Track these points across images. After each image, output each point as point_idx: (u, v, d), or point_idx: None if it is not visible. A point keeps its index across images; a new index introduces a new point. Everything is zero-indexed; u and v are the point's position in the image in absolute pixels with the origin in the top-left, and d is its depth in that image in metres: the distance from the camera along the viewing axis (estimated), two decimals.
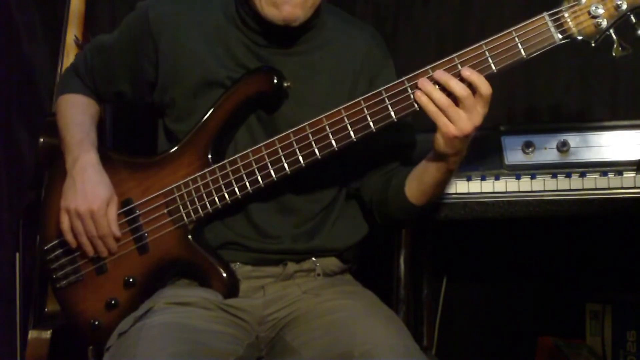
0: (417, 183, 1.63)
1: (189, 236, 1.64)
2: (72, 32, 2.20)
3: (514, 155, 2.03)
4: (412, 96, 1.51)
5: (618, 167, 1.95)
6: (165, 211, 1.65)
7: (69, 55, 2.16)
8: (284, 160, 1.58)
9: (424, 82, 1.49)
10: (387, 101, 1.52)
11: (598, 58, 2.32)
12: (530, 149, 2.03)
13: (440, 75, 1.48)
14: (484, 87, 1.46)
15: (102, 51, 1.80)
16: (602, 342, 2.37)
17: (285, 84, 1.62)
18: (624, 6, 1.45)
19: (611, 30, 1.47)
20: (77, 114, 1.78)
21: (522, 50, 1.47)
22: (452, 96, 1.48)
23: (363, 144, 1.57)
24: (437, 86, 1.48)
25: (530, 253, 2.45)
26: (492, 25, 2.38)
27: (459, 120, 1.47)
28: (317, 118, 1.56)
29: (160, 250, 1.66)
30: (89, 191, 1.65)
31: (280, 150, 1.58)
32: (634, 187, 1.87)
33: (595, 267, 2.41)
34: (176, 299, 1.57)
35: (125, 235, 1.67)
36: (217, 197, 1.62)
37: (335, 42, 1.71)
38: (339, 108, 1.55)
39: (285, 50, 1.67)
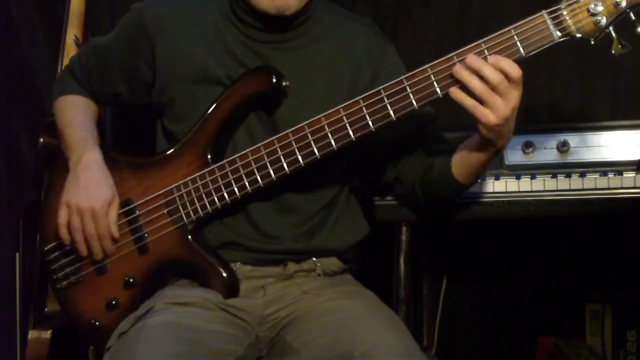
0: (463, 164, 1.62)
1: (189, 236, 1.64)
2: (72, 32, 2.19)
3: (514, 155, 2.03)
4: (411, 95, 1.51)
5: (618, 167, 1.95)
6: (165, 211, 1.65)
7: (69, 55, 2.14)
8: (283, 160, 1.58)
9: (459, 70, 1.46)
10: (385, 100, 1.52)
11: (598, 58, 2.32)
12: (530, 149, 2.03)
13: (474, 61, 1.45)
14: (514, 71, 1.44)
15: (98, 53, 1.80)
16: (602, 342, 2.37)
17: (284, 84, 1.62)
18: (623, 3, 1.44)
19: (610, 28, 1.46)
20: (77, 114, 1.78)
21: (521, 49, 1.46)
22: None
23: (387, 135, 1.58)
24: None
25: (530, 253, 2.45)
26: (492, 25, 2.36)
27: (495, 107, 1.45)
28: (316, 118, 1.55)
29: (160, 250, 1.66)
30: (92, 189, 1.64)
31: (279, 150, 1.58)
32: (634, 187, 1.86)
33: (595, 267, 2.40)
34: (176, 299, 1.57)
35: (125, 236, 1.67)
36: (217, 197, 1.62)
37: (333, 37, 1.70)
38: (337, 107, 1.55)
39: (283, 45, 1.67)
